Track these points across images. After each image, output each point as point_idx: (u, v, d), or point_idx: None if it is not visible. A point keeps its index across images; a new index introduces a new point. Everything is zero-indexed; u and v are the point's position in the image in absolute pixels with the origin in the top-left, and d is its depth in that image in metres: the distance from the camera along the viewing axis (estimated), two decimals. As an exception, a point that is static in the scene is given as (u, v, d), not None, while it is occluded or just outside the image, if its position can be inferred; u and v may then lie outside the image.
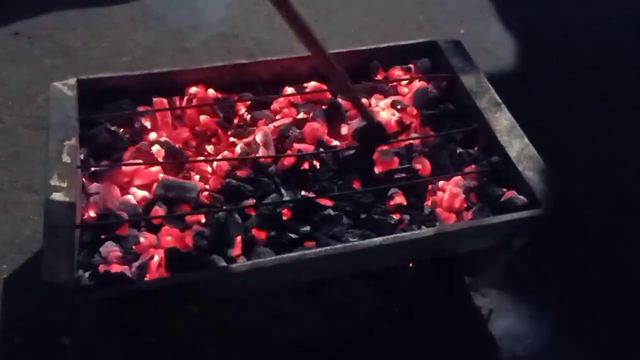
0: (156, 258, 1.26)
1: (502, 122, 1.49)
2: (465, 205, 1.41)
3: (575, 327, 1.58)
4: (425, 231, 1.31)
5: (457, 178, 1.45)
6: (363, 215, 1.35)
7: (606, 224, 1.82)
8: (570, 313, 1.62)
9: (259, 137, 1.51)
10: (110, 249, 1.24)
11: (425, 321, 1.54)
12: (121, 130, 1.49)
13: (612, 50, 2.43)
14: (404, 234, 1.30)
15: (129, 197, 1.37)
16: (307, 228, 1.31)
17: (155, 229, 1.32)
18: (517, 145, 1.44)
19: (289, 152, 1.50)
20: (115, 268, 1.21)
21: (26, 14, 2.32)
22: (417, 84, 1.66)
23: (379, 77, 1.70)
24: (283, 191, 1.39)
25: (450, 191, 1.43)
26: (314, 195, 1.38)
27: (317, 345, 1.47)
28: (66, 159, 1.31)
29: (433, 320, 1.55)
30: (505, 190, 1.40)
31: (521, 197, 1.35)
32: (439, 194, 1.46)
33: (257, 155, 1.46)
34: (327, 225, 1.32)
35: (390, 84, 1.68)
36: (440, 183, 1.47)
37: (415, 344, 1.50)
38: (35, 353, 1.42)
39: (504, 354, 1.52)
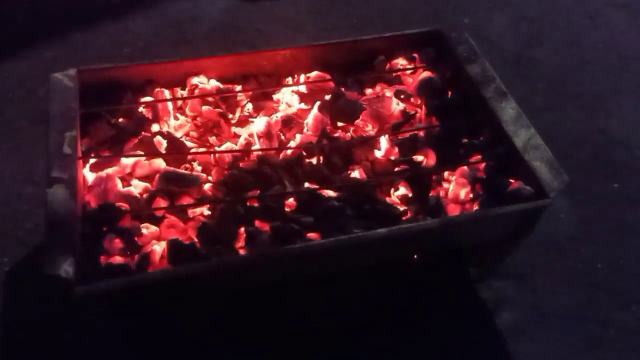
0: (159, 250, 1.25)
1: (508, 111, 1.47)
2: (471, 196, 1.40)
3: (580, 322, 1.57)
4: (431, 222, 1.29)
5: (463, 169, 1.43)
6: (367, 206, 1.34)
7: (609, 215, 1.81)
8: (575, 307, 1.61)
9: (261, 128, 1.50)
10: (112, 241, 1.23)
11: (429, 313, 1.53)
12: (121, 120, 1.48)
13: (616, 41, 2.41)
14: (409, 225, 1.29)
15: (131, 189, 1.36)
16: (311, 219, 1.30)
17: (157, 221, 1.31)
18: (524, 135, 1.42)
19: (292, 142, 1.49)
20: (118, 260, 1.21)
21: (26, 6, 2.30)
22: (422, 73, 1.64)
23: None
24: (286, 182, 1.38)
25: (455, 182, 1.41)
26: (317, 187, 1.37)
27: (321, 337, 1.46)
28: (67, 150, 1.30)
29: (437, 313, 1.53)
30: (512, 180, 1.38)
31: (528, 187, 1.34)
32: (445, 184, 1.44)
33: (260, 146, 1.45)
34: (331, 217, 1.31)
35: (394, 74, 1.66)
36: (446, 174, 1.45)
37: (418, 336, 1.49)
38: (39, 347, 1.42)
39: (509, 346, 1.51)
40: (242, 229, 1.29)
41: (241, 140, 1.49)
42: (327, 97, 1.57)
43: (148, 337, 1.40)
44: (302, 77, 1.63)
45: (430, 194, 1.41)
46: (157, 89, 1.52)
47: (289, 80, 1.63)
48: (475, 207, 1.37)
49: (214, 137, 1.51)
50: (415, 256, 1.55)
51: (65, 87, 1.43)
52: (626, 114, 2.12)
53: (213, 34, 2.26)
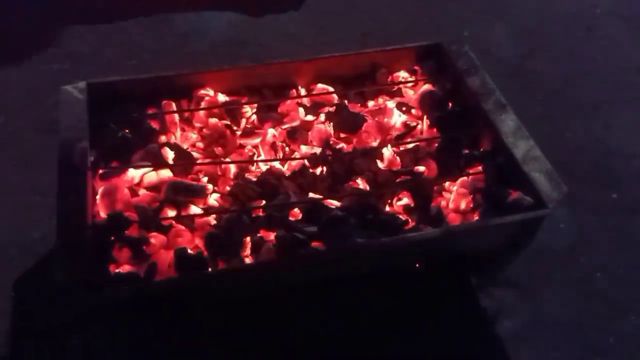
0: (166, 259, 1.27)
1: (508, 123, 1.50)
2: (472, 206, 1.42)
3: (580, 331, 1.59)
4: (432, 232, 1.32)
5: (464, 179, 1.46)
6: (370, 216, 1.36)
7: (608, 225, 1.83)
8: (575, 315, 1.62)
9: (266, 140, 1.52)
10: (121, 250, 1.25)
11: (431, 321, 1.54)
12: (127, 131, 1.50)
13: (615, 52, 2.44)
14: (411, 234, 1.31)
15: (139, 198, 1.38)
16: (315, 229, 1.32)
17: (165, 230, 1.34)
18: (523, 146, 1.44)
19: (296, 153, 1.52)
20: (126, 269, 1.23)
21: (33, 19, 2.34)
22: (423, 86, 1.67)
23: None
24: (291, 192, 1.40)
25: (456, 192, 1.44)
26: (321, 197, 1.40)
27: (324, 345, 1.47)
28: (77, 161, 1.33)
29: (438, 321, 1.55)
30: (511, 191, 1.40)
31: (527, 197, 1.36)
32: (446, 194, 1.47)
33: (265, 157, 1.47)
34: (334, 226, 1.33)
35: (395, 86, 1.69)
36: (447, 184, 1.48)
37: (420, 344, 1.50)
38: (47, 355, 1.43)
39: (510, 354, 1.53)
40: (248, 239, 1.31)
41: (246, 151, 1.52)
42: (330, 109, 1.61)
43: (154, 344, 1.41)
44: (307, 90, 1.66)
45: (431, 204, 1.43)
46: (164, 101, 1.55)
47: (293, 92, 1.66)
48: (476, 217, 1.40)
49: (219, 148, 1.54)
50: (417, 265, 1.57)
51: (75, 99, 1.46)
52: (624, 125, 2.14)
53: (218, 48, 2.30)
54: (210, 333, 1.45)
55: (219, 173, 1.47)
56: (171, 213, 1.37)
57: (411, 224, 1.38)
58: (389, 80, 1.71)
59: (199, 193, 1.39)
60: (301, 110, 1.62)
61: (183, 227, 1.34)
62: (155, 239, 1.30)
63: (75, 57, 2.21)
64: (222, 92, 1.62)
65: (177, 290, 1.20)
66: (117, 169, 1.41)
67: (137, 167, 1.42)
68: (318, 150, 1.52)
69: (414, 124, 1.60)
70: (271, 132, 1.55)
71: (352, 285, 1.51)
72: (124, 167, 1.42)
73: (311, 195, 1.41)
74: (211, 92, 1.60)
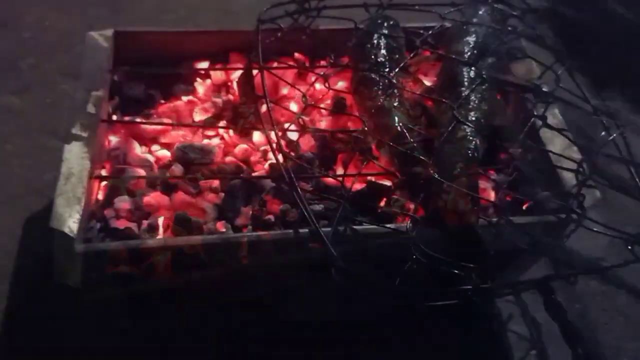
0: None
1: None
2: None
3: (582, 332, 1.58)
4: (430, 232, 1.31)
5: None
6: (367, 216, 1.36)
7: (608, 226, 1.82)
8: (574, 316, 1.61)
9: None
10: (121, 204, 1.28)
11: (434, 324, 1.53)
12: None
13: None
14: (408, 235, 1.30)
15: (148, 155, 1.41)
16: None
17: (170, 189, 1.35)
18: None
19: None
20: (123, 224, 1.26)
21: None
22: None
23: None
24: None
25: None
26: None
27: (321, 341, 1.48)
28: (91, 109, 1.32)
29: (443, 323, 1.54)
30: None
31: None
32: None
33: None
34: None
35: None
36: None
37: (421, 346, 1.50)
38: (45, 352, 1.43)
39: (509, 356, 1.52)
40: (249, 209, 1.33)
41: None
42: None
43: (153, 343, 1.41)
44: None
45: (429, 204, 1.42)
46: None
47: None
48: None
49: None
50: (415, 266, 1.56)
51: (99, 47, 1.46)
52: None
53: (257, 6, 2.21)
54: (208, 332, 1.45)
55: (216, 172, 1.46)
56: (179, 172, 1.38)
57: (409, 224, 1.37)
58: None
59: (208, 154, 1.41)
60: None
61: (188, 191, 1.34)
62: (157, 198, 1.31)
63: (114, 6, 2.23)
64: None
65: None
66: (130, 123, 1.43)
67: (150, 123, 1.43)
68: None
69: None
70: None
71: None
72: (137, 122, 1.43)
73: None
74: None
